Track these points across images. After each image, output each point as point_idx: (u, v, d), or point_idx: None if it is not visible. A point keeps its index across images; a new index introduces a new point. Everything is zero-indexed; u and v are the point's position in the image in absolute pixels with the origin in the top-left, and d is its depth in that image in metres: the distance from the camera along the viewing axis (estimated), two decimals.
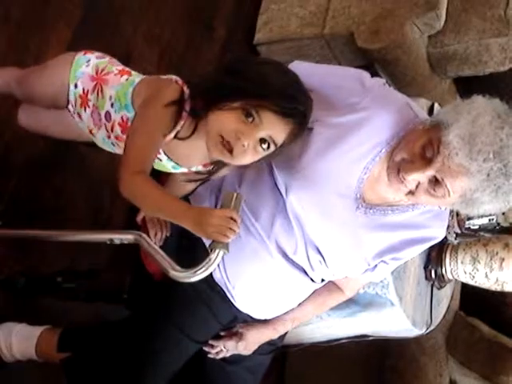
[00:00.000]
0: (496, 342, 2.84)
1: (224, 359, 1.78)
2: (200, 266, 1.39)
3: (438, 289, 2.37)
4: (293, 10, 3.15)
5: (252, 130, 1.37)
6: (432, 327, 2.36)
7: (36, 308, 2.08)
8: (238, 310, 1.74)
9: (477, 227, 2.48)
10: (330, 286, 1.80)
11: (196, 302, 1.69)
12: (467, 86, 3.26)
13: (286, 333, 1.89)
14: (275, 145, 1.41)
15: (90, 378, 1.73)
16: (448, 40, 3.00)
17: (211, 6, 3.07)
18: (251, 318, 1.78)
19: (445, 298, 2.49)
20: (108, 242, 1.58)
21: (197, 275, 1.40)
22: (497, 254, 2.14)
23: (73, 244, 1.88)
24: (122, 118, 1.52)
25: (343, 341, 2.34)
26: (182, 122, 1.44)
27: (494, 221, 2.45)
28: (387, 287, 2.06)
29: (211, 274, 1.63)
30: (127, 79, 1.56)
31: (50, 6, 2.29)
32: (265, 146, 1.40)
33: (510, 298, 3.05)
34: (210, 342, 1.75)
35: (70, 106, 1.64)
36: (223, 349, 1.76)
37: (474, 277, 2.20)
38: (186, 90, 1.45)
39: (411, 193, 1.53)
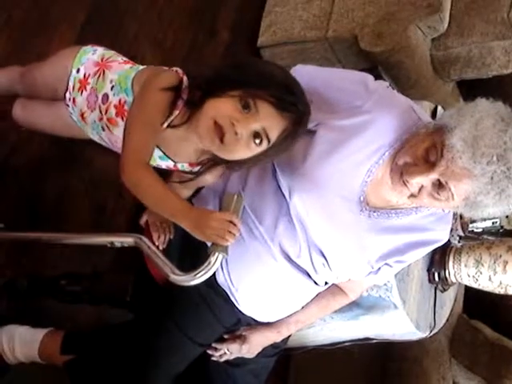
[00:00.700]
0: (499, 345, 2.83)
1: (227, 362, 1.78)
2: (199, 270, 1.39)
3: (442, 292, 2.36)
4: (296, 13, 3.14)
5: (247, 120, 1.35)
6: (435, 330, 2.36)
7: (39, 310, 2.08)
8: (241, 312, 1.74)
9: (480, 230, 2.48)
10: (334, 289, 1.79)
11: (199, 304, 1.69)
12: (470, 89, 3.26)
13: (289, 336, 1.89)
14: (268, 140, 1.37)
15: (94, 380, 1.74)
16: (451, 43, 2.99)
17: (214, 8, 3.07)
18: (255, 320, 1.78)
19: (448, 300, 2.48)
20: (109, 245, 1.58)
21: (196, 279, 1.39)
22: (500, 256, 2.13)
23: (76, 247, 1.88)
24: (119, 100, 1.51)
25: (346, 344, 2.34)
26: (176, 112, 1.42)
27: (498, 224, 2.45)
28: (391, 290, 2.06)
29: (214, 276, 1.63)
30: (131, 67, 1.57)
31: (53, 7, 2.30)
32: (257, 140, 1.36)
33: None
34: (214, 344, 1.75)
35: (67, 94, 1.63)
36: (227, 352, 1.76)
37: (477, 280, 2.20)
38: (185, 81, 1.44)
39: (413, 196, 1.53)
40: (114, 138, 1.56)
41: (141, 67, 1.57)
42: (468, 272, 2.20)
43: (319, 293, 1.79)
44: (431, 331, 2.33)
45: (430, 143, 1.49)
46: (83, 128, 1.64)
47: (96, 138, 1.64)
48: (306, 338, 2.30)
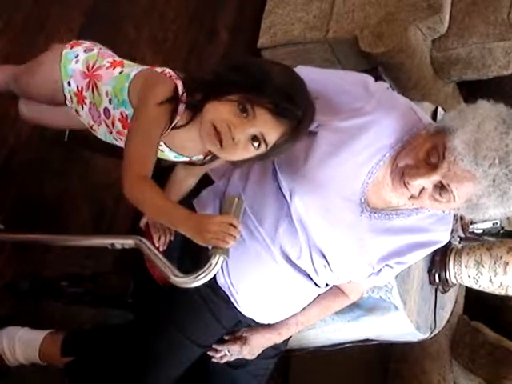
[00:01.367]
0: (500, 346, 2.83)
1: (228, 363, 1.78)
2: (200, 272, 1.39)
3: (442, 293, 2.36)
4: (296, 14, 3.15)
5: (244, 125, 1.35)
6: (436, 331, 2.36)
7: (39, 312, 2.08)
8: (241, 314, 1.74)
9: (481, 231, 2.48)
10: (334, 291, 1.79)
11: (200, 306, 1.69)
12: (471, 90, 3.26)
13: (289, 337, 1.88)
14: (266, 144, 1.38)
15: (94, 382, 1.73)
16: (451, 44, 3.00)
17: (214, 9, 3.07)
18: (255, 322, 1.78)
19: (449, 302, 2.48)
20: (109, 247, 1.58)
21: (197, 281, 1.40)
22: (501, 258, 2.13)
23: (77, 248, 1.89)
24: (121, 113, 1.51)
25: (347, 345, 2.34)
26: (178, 118, 1.43)
27: (498, 225, 2.45)
28: (391, 291, 2.05)
29: (215, 278, 1.63)
30: (121, 72, 1.54)
31: (53, 9, 2.30)
32: (256, 144, 1.37)
33: None
34: (214, 346, 1.75)
35: (68, 104, 1.63)
36: (227, 353, 1.75)
37: (477, 281, 2.19)
38: (180, 85, 1.44)
39: (414, 197, 1.53)
40: None
41: (132, 72, 1.53)
42: (468, 273, 2.20)
43: (320, 294, 1.79)
44: (432, 332, 2.33)
45: (431, 145, 1.48)
46: (96, 135, 1.65)
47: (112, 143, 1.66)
48: (306, 339, 2.30)
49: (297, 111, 1.36)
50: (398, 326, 2.18)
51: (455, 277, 2.24)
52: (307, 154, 1.59)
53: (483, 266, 2.16)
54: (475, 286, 2.23)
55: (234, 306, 1.72)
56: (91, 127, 1.62)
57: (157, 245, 1.68)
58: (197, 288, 1.44)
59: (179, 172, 1.67)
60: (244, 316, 1.75)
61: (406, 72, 2.94)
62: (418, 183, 1.48)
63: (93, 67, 1.57)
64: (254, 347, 1.77)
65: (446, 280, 2.27)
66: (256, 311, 1.75)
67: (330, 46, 3.05)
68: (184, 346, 1.69)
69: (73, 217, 2.29)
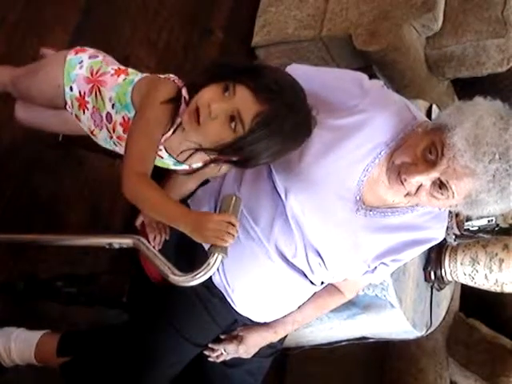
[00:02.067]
0: (496, 343, 2.83)
1: (224, 362, 1.78)
2: (199, 270, 1.39)
3: (438, 290, 2.37)
4: (290, 12, 3.14)
5: (222, 101, 1.37)
6: (432, 329, 2.37)
7: (35, 312, 2.08)
8: (237, 313, 1.74)
9: (476, 228, 2.48)
10: (330, 289, 1.79)
11: (195, 305, 1.69)
12: (465, 88, 3.26)
13: (286, 335, 1.88)
14: (242, 124, 1.37)
15: (90, 382, 1.73)
16: (446, 41, 3.00)
17: (209, 9, 3.07)
18: (251, 321, 1.78)
19: (444, 299, 2.49)
20: (107, 247, 1.58)
21: (196, 279, 1.40)
22: (496, 255, 2.14)
23: (72, 248, 1.88)
24: (123, 117, 1.52)
25: (344, 343, 2.34)
26: (179, 120, 1.45)
27: (493, 222, 2.45)
28: (387, 289, 2.06)
29: (211, 277, 1.62)
30: (125, 79, 1.56)
31: (47, 9, 2.29)
32: (233, 124, 1.37)
33: (509, 299, 3.04)
34: (210, 345, 1.75)
35: (68, 109, 1.64)
36: (223, 352, 1.76)
37: (473, 278, 2.20)
38: (184, 89, 1.46)
39: (410, 194, 1.53)
40: None
41: (136, 78, 1.55)
42: (464, 270, 2.20)
43: (315, 292, 1.79)
44: (428, 330, 2.34)
45: (428, 142, 1.49)
46: (96, 140, 1.66)
47: (111, 149, 1.66)
48: (302, 337, 2.30)
49: (279, 98, 1.36)
50: (394, 323, 2.19)
51: (451, 274, 2.25)
52: (302, 152, 1.59)
53: (479, 263, 2.16)
54: (471, 283, 2.23)
55: (230, 304, 1.72)
56: (92, 132, 1.62)
57: (152, 244, 1.68)
58: (193, 287, 1.44)
59: (180, 176, 1.68)
60: (240, 315, 1.75)
61: (401, 70, 2.94)
62: (416, 180, 1.49)
63: (97, 73, 1.58)
64: (250, 346, 1.78)
65: (442, 277, 2.27)
66: (252, 310, 1.75)
67: (324, 45, 3.05)
68: (180, 346, 1.69)
69: (68, 216, 2.29)
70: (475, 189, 1.43)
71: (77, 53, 1.64)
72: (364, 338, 2.33)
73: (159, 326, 1.69)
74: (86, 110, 1.59)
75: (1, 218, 2.01)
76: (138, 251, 1.56)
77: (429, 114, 2.22)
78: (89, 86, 1.58)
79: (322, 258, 1.66)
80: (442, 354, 2.88)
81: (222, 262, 1.38)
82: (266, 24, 3.17)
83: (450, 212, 1.83)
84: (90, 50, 1.66)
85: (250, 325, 1.78)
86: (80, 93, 1.59)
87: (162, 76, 1.53)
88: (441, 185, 1.47)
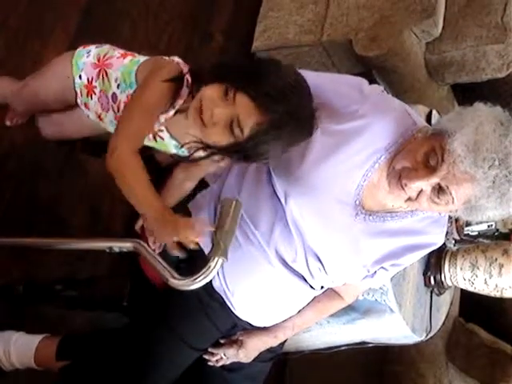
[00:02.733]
0: (495, 348, 2.84)
1: (224, 367, 1.78)
2: (199, 274, 1.39)
3: (438, 295, 2.36)
4: (291, 17, 3.15)
5: (224, 106, 1.38)
6: (431, 334, 2.36)
7: (35, 316, 2.07)
8: (237, 317, 1.74)
9: (476, 233, 2.48)
10: (330, 293, 1.79)
11: (195, 309, 1.69)
12: (465, 93, 3.27)
13: (285, 340, 1.88)
14: (241, 131, 1.39)
15: None
16: (445, 47, 3.00)
17: (209, 13, 3.07)
18: (251, 325, 1.77)
19: (444, 304, 2.48)
20: (107, 250, 1.58)
21: (196, 283, 1.39)
22: (496, 260, 2.14)
23: (72, 252, 1.88)
24: (127, 96, 1.54)
25: (343, 348, 2.34)
26: (180, 101, 1.47)
27: (493, 227, 2.45)
28: (386, 294, 2.06)
29: (210, 281, 1.62)
30: (131, 60, 1.59)
31: (48, 12, 2.30)
32: (232, 129, 1.39)
33: (509, 304, 3.04)
34: (210, 349, 1.74)
35: (78, 100, 1.66)
36: (223, 356, 1.75)
37: (473, 283, 2.20)
38: (186, 71, 1.49)
39: (411, 199, 1.53)
40: None
41: (141, 59, 1.58)
42: (464, 275, 2.20)
43: (315, 297, 1.79)
44: (427, 335, 2.33)
45: (428, 148, 1.49)
46: (103, 126, 1.67)
47: None
48: (302, 342, 2.30)
49: (278, 105, 1.37)
50: (394, 328, 2.18)
51: (450, 279, 2.25)
52: (302, 156, 1.59)
53: (478, 269, 2.16)
54: (470, 288, 2.23)
55: (230, 309, 1.71)
56: (99, 116, 1.64)
57: (152, 247, 1.67)
58: (193, 291, 1.44)
59: (178, 175, 1.69)
60: (240, 319, 1.75)
61: (401, 75, 2.94)
62: (416, 186, 1.49)
63: (104, 57, 1.62)
64: (250, 350, 1.77)
65: (442, 282, 2.27)
66: (252, 314, 1.75)
67: (324, 50, 3.05)
68: (180, 350, 1.69)
69: (68, 220, 2.29)
70: (475, 194, 1.44)
71: (85, 47, 1.68)
72: (364, 342, 2.32)
73: (159, 330, 1.68)
74: (93, 95, 1.61)
75: (1, 220, 2.01)
76: (139, 255, 1.56)
77: (429, 119, 2.22)
78: (96, 71, 1.60)
79: (321, 262, 1.66)
80: (442, 358, 2.88)
81: (221, 265, 1.38)
82: (267, 29, 3.17)
83: (450, 217, 1.83)
84: (97, 44, 1.69)
85: (250, 329, 1.78)
86: (88, 79, 1.62)
87: (166, 58, 1.55)
88: (440, 190, 1.48)
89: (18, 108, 1.86)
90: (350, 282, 1.74)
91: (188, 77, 1.48)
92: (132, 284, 1.82)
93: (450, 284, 2.28)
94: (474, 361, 2.85)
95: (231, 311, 1.72)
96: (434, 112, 2.27)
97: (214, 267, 1.37)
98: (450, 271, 2.23)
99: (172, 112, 1.48)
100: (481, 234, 2.47)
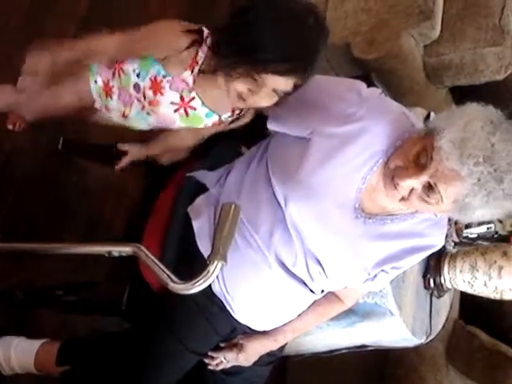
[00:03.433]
0: (496, 350, 2.83)
1: (223, 371, 1.78)
2: (199, 278, 1.38)
3: (437, 298, 2.36)
4: None
5: (259, 88, 1.48)
6: (432, 336, 2.36)
7: (35, 321, 2.07)
8: (237, 321, 1.74)
9: (475, 236, 2.48)
10: (330, 297, 1.80)
11: (195, 313, 1.69)
12: (463, 95, 3.26)
13: (285, 343, 1.88)
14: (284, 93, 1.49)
15: None
16: (444, 49, 3.00)
17: (207, 17, 3.07)
18: (250, 329, 1.77)
19: (444, 306, 2.48)
20: (106, 255, 1.58)
21: (195, 287, 1.39)
22: (495, 262, 2.14)
23: (72, 257, 1.88)
24: (150, 80, 1.57)
25: (343, 351, 2.34)
26: (202, 55, 1.51)
27: (492, 229, 2.45)
28: (386, 297, 2.06)
29: (210, 286, 1.63)
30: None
31: (46, 20, 2.31)
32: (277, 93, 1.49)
33: (508, 307, 3.04)
34: (210, 353, 1.74)
35: (96, 104, 1.68)
36: (223, 360, 1.75)
37: (472, 285, 2.20)
38: (207, 34, 1.54)
39: (404, 199, 1.54)
40: (161, 117, 1.64)
41: None
42: (463, 278, 2.20)
43: (315, 300, 1.79)
44: (427, 337, 2.33)
45: (421, 147, 1.49)
46: (128, 124, 1.69)
47: (145, 127, 1.70)
48: (302, 345, 2.30)
49: (300, 64, 1.47)
50: (394, 331, 2.18)
51: (450, 281, 2.24)
52: (301, 160, 1.59)
53: (478, 271, 2.16)
54: (470, 291, 2.23)
55: (230, 312, 1.71)
56: (123, 115, 1.66)
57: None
58: (192, 295, 1.43)
59: (183, 130, 1.70)
60: (239, 323, 1.75)
61: (399, 78, 2.95)
62: (406, 184, 1.49)
63: None
64: (250, 354, 1.77)
65: (441, 285, 2.27)
66: (251, 318, 1.75)
67: (323, 53, 3.05)
68: (180, 354, 1.69)
69: (68, 225, 2.29)
70: (462, 192, 1.43)
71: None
72: (364, 346, 2.32)
73: (159, 334, 1.68)
74: (112, 95, 1.63)
75: (0, 226, 2.01)
76: (138, 259, 1.56)
77: (427, 121, 2.22)
78: (111, 72, 1.62)
79: (321, 266, 1.66)
80: (442, 361, 2.88)
81: (221, 270, 1.38)
82: None
83: (449, 219, 1.83)
84: None
85: (250, 333, 1.78)
86: (104, 82, 1.63)
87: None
88: (430, 188, 1.47)
89: (27, 116, 1.85)
90: (351, 286, 1.74)
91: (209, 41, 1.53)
92: (131, 288, 1.82)
93: (449, 286, 2.28)
94: (475, 363, 2.84)
95: (231, 315, 1.72)
96: (433, 115, 2.27)
97: (214, 271, 1.37)
98: (449, 273, 2.23)
99: (196, 70, 1.52)
100: (480, 237, 2.47)
